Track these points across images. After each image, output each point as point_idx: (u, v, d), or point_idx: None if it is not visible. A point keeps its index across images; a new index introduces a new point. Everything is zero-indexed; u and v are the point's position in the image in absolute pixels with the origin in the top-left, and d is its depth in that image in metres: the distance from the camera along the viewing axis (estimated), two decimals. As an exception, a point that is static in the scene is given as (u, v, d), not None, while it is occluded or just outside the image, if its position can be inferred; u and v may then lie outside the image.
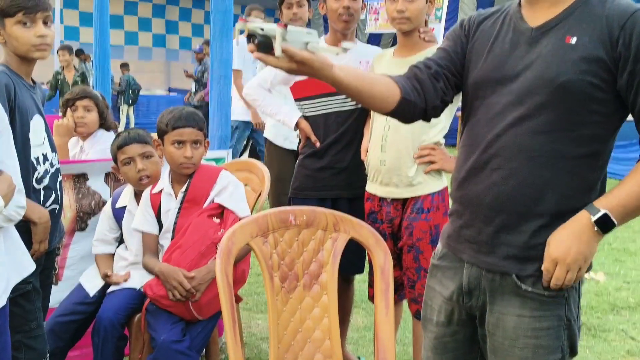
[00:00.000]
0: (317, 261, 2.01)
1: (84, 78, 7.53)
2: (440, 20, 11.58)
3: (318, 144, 2.62)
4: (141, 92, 11.74)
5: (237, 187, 2.41)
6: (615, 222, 1.37)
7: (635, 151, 8.62)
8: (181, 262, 2.23)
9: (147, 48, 14.41)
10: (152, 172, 2.48)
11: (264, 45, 1.26)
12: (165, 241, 2.38)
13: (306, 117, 2.66)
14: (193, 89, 10.62)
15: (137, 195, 2.50)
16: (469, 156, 1.52)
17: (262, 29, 1.25)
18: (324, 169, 2.64)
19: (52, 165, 2.05)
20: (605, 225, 1.36)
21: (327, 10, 2.63)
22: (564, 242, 1.39)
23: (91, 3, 5.58)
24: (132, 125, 11.55)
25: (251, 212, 2.61)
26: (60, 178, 2.11)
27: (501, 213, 1.45)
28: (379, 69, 2.47)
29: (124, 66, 11.65)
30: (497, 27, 1.53)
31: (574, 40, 1.38)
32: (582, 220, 1.38)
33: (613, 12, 1.37)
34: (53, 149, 2.09)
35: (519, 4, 1.53)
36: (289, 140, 3.41)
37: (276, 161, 3.46)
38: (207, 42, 10.57)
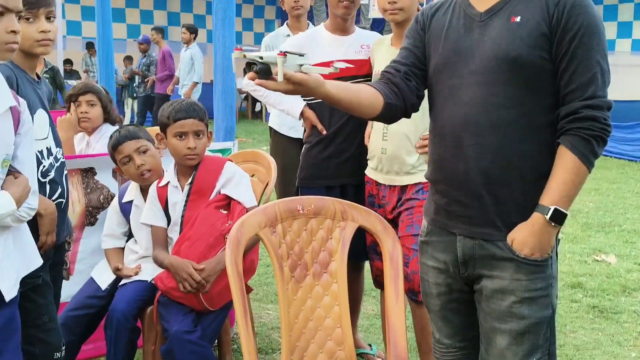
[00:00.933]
0: (326, 250, 2.01)
1: (53, 74, 7.08)
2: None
3: (325, 132, 2.62)
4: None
5: (243, 178, 2.41)
6: (566, 212, 1.52)
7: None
8: (190, 254, 2.24)
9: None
10: (151, 165, 2.48)
11: (264, 71, 1.40)
12: (174, 234, 2.39)
13: (310, 106, 2.65)
14: (136, 83, 10.40)
15: (144, 190, 2.51)
16: (444, 138, 1.64)
17: (262, 58, 1.40)
18: (331, 157, 2.65)
19: (57, 159, 2.05)
20: (559, 218, 1.51)
21: None
22: (527, 243, 1.54)
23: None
24: (137, 118, 11.56)
25: (258, 203, 2.61)
26: (65, 172, 2.12)
27: (485, 186, 1.57)
28: (378, 54, 2.55)
29: (128, 59, 11.63)
30: (448, 16, 1.66)
31: (518, 19, 1.52)
32: (539, 220, 1.53)
33: None
34: (58, 144, 2.09)
35: None
36: (294, 129, 3.40)
37: (282, 150, 3.45)
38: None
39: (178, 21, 14.70)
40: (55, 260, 2.12)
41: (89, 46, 11.84)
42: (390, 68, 1.72)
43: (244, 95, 14.10)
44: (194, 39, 9.05)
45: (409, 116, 1.75)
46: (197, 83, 8.85)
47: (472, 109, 1.57)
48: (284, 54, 1.39)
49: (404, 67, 1.70)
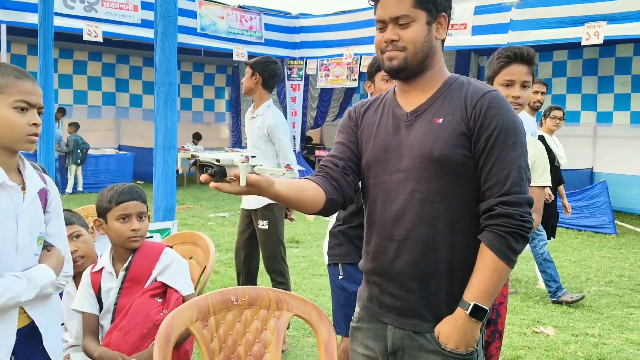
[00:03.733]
0: (260, 342, 1.99)
1: None
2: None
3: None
4: (90, 151, 11.55)
5: (181, 265, 2.38)
6: (486, 308, 1.56)
7: (578, 200, 8.95)
8: (122, 345, 2.17)
9: (97, 106, 14.30)
10: (84, 251, 2.44)
11: (220, 174, 1.41)
12: (106, 322, 2.32)
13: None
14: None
15: (76, 277, 2.44)
16: (376, 231, 1.69)
17: (218, 160, 1.42)
18: None
19: None
20: (479, 313, 1.56)
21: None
22: (452, 337, 1.59)
23: (37, 62, 5.50)
24: (80, 186, 11.31)
25: (196, 287, 2.57)
26: None
27: (415, 278, 1.62)
28: None
29: (73, 125, 11.49)
30: (379, 114, 1.74)
31: (440, 120, 1.61)
32: (461, 315, 1.57)
33: (469, 94, 1.63)
34: None
35: (394, 92, 1.76)
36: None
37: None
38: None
39: (126, 88, 14.73)
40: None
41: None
42: (329, 162, 1.75)
43: (193, 161, 14.03)
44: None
45: (345, 208, 1.80)
46: None
47: (401, 204, 1.62)
48: (247, 158, 1.40)
49: (341, 162, 1.73)
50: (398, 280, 1.64)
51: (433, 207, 1.60)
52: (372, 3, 1.68)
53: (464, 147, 1.58)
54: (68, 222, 2.44)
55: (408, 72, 1.64)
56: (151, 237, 3.06)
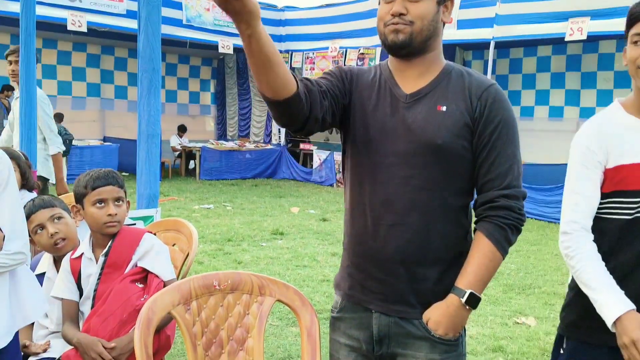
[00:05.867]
0: (243, 326, 1.98)
1: None
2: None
3: None
4: (75, 143, 11.43)
5: (161, 249, 2.36)
6: (480, 296, 1.58)
7: (561, 194, 9.05)
8: (101, 331, 2.15)
9: (81, 97, 14.15)
10: (66, 233, 2.41)
11: None
12: (86, 308, 2.30)
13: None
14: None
15: (57, 262, 2.42)
16: (363, 214, 1.65)
17: None
18: None
19: None
20: (473, 301, 1.57)
21: None
22: (442, 323, 1.59)
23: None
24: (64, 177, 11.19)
25: (179, 274, 2.56)
26: None
27: (403, 264, 1.61)
28: None
29: (57, 116, 11.35)
30: (375, 88, 1.66)
31: (444, 108, 1.59)
32: (454, 302, 1.58)
33: (473, 85, 1.60)
34: None
35: (389, 69, 1.68)
36: None
37: None
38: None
39: (111, 79, 14.59)
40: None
41: (5, 89, 11.45)
42: (310, 79, 1.57)
43: (178, 153, 13.99)
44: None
45: (303, 129, 1.55)
46: None
47: (393, 188, 1.60)
48: None
49: (325, 87, 1.59)
50: (385, 266, 1.63)
51: (426, 195, 1.59)
52: None
53: (464, 139, 1.58)
54: (49, 205, 2.42)
55: (411, 49, 1.58)
56: (134, 224, 3.04)
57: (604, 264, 1.68)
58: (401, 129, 1.60)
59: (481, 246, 1.58)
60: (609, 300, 1.62)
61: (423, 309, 1.62)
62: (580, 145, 1.76)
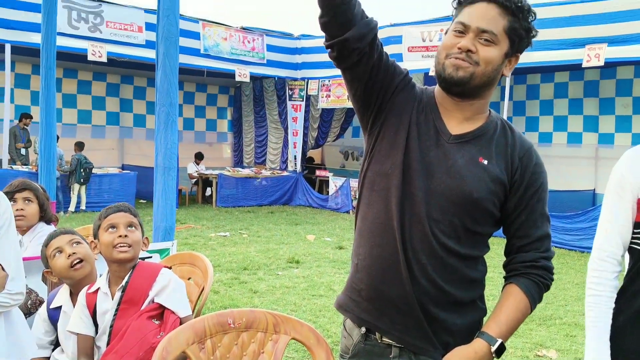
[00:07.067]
0: (258, 365, 1.96)
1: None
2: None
3: None
4: (94, 171, 11.56)
5: (178, 286, 2.35)
6: (506, 347, 1.57)
7: (581, 221, 8.91)
8: (117, 368, 2.14)
9: (101, 126, 14.36)
10: (84, 255, 2.43)
11: None
12: (102, 343, 2.29)
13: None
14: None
15: (73, 296, 2.43)
16: (376, 242, 1.59)
17: None
18: None
19: None
20: (501, 351, 1.55)
21: None
22: None
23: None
24: (83, 205, 11.31)
25: (194, 308, 2.55)
26: None
27: (420, 305, 1.56)
28: None
29: (78, 145, 11.52)
30: (423, 113, 1.61)
31: (485, 162, 1.58)
32: (483, 349, 1.54)
33: (515, 145, 1.60)
34: None
35: (435, 101, 1.62)
36: None
37: None
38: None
39: (130, 107, 14.81)
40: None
41: (24, 117, 11.70)
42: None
43: (195, 180, 14.08)
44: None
45: (342, 34, 1.50)
46: None
47: (417, 226, 1.55)
48: None
49: (384, 54, 1.58)
50: (400, 306, 1.57)
51: (446, 241, 1.56)
52: (457, 5, 1.58)
53: (497, 196, 1.58)
54: (70, 232, 2.48)
55: (465, 89, 1.54)
56: (150, 257, 3.05)
57: (612, 312, 1.72)
58: (438, 168, 1.56)
59: (517, 300, 1.60)
60: (596, 351, 1.71)
61: (443, 349, 1.58)
62: (615, 173, 1.76)
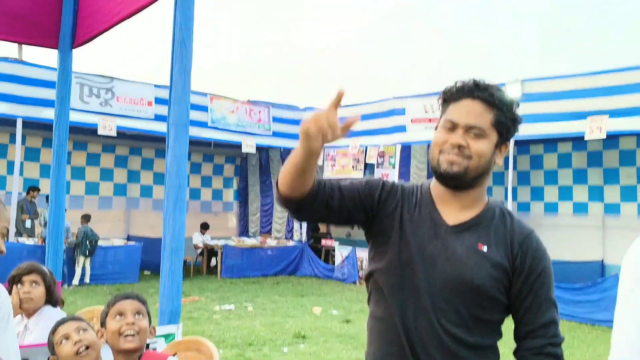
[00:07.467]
0: None
1: None
2: (394, 167, 12.12)
3: None
4: (100, 242, 11.55)
5: (184, 376, 2.32)
6: None
7: (591, 293, 8.77)
8: None
9: (108, 197, 14.46)
10: (90, 342, 2.39)
11: None
12: None
13: None
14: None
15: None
16: (389, 340, 1.62)
17: None
18: None
19: None
20: None
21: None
22: None
23: (51, 155, 5.58)
24: (87, 277, 11.24)
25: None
26: None
27: None
28: None
29: (85, 217, 11.57)
30: (415, 211, 1.66)
31: (485, 248, 1.60)
32: None
33: (515, 231, 1.62)
34: None
35: (430, 194, 1.68)
36: None
37: None
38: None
39: (137, 178, 14.96)
40: None
41: (32, 189, 11.80)
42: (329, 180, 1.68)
43: (200, 250, 14.04)
44: None
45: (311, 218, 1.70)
46: None
47: (422, 319, 1.58)
48: None
49: (342, 192, 1.65)
50: None
51: (451, 330, 1.57)
52: (442, 102, 1.66)
53: (500, 282, 1.59)
54: (77, 319, 2.44)
55: (461, 182, 1.60)
56: (155, 342, 3.01)
57: None
58: (439, 259, 1.59)
59: None
60: None
61: None
62: (628, 264, 1.46)
